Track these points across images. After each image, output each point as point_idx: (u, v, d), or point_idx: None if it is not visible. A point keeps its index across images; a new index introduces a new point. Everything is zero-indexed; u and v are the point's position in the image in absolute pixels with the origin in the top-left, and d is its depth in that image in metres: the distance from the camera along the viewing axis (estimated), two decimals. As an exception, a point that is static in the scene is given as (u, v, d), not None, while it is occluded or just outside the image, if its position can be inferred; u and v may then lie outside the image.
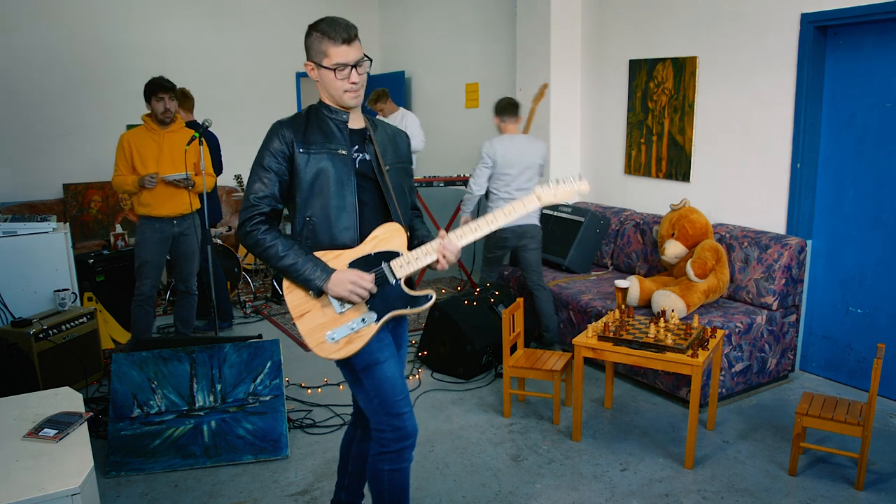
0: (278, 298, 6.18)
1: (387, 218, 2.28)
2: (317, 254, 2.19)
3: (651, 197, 5.15)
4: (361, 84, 2.20)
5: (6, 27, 6.47)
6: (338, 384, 4.25)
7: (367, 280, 2.13)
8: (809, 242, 4.19)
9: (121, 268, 5.32)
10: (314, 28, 2.17)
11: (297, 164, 2.18)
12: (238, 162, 7.13)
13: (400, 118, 6.33)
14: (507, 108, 4.52)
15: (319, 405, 3.99)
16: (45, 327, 4.02)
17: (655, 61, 4.95)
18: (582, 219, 5.10)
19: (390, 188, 2.26)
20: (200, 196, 4.73)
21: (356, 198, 2.20)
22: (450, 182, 6.17)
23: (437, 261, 2.20)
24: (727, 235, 4.32)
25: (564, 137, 5.68)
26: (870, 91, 3.88)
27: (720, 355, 3.63)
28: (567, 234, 5.15)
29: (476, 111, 6.96)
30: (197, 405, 3.40)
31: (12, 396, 2.52)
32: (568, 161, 5.73)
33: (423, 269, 2.26)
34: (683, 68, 4.74)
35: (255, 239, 2.17)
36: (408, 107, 8.12)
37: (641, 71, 5.07)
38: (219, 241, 5.95)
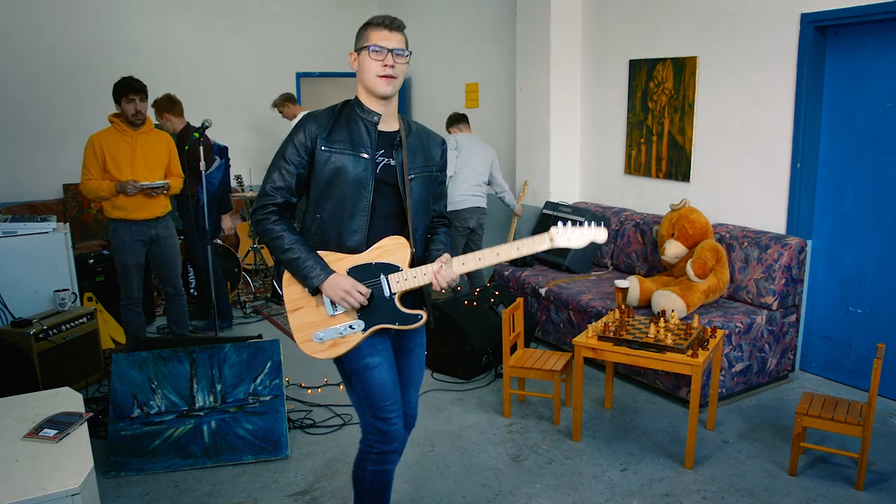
0: (278, 299, 6.18)
1: (401, 227, 2.27)
2: (321, 253, 2.21)
3: (651, 197, 5.15)
4: (398, 74, 2.16)
5: (6, 27, 6.47)
6: (338, 384, 4.25)
7: (361, 291, 2.16)
8: (809, 242, 4.19)
9: (121, 268, 5.31)
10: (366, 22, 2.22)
11: (317, 160, 2.19)
12: (237, 162, 7.15)
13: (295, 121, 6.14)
14: (458, 120, 5.70)
15: (319, 405, 3.99)
16: (45, 327, 4.02)
17: (655, 61, 4.95)
18: (582, 219, 5.10)
19: (408, 199, 2.23)
20: (200, 197, 4.74)
21: (370, 203, 2.19)
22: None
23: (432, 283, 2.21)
24: (727, 235, 4.32)
25: (564, 137, 5.68)
26: (870, 91, 3.88)
27: (720, 355, 3.63)
28: (567, 234, 5.14)
29: (476, 111, 6.95)
30: (197, 405, 3.40)
31: (12, 396, 2.52)
32: (568, 161, 5.73)
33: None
34: (683, 68, 4.74)
35: (264, 227, 2.22)
36: (408, 107, 8.11)
37: (641, 71, 5.06)
38: (219, 241, 5.95)
